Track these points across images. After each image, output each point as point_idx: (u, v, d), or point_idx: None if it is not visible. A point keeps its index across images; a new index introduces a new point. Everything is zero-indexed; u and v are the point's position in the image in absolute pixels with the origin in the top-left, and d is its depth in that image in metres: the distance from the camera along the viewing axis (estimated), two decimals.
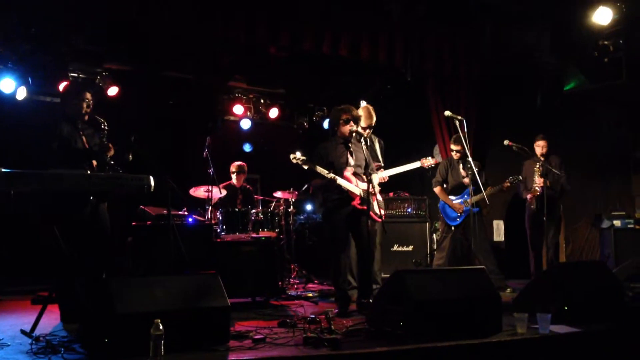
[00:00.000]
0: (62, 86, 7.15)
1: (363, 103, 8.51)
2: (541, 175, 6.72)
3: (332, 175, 5.07)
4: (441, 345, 3.59)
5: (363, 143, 5.20)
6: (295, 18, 6.59)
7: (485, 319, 4.01)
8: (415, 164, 6.32)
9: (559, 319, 4.15)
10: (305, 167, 5.06)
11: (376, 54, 7.12)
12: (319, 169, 5.07)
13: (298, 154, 5.10)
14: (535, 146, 7.11)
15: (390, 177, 6.18)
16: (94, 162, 4.77)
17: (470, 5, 7.30)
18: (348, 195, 5.17)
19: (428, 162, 6.39)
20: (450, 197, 6.84)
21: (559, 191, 7.06)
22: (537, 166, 6.74)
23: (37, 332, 3.98)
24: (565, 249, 8.11)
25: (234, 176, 7.60)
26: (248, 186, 7.77)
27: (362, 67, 7.82)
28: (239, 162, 7.68)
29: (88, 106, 4.89)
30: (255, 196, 7.82)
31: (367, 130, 5.89)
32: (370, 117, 5.87)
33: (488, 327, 3.97)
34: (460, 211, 6.68)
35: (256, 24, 6.36)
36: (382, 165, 6.05)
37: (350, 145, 5.37)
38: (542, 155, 7.04)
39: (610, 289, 4.73)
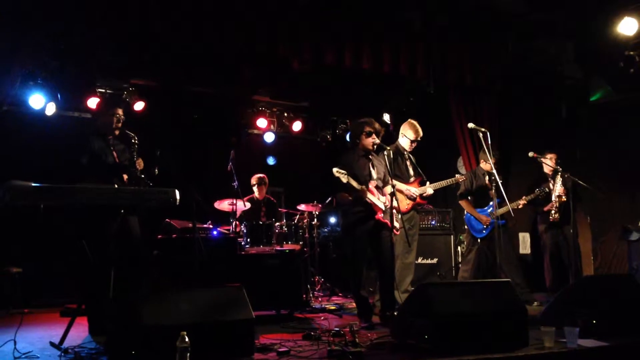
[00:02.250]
0: (90, 101, 7.29)
1: (386, 116, 8.51)
2: (563, 186, 6.65)
3: (363, 187, 5.08)
4: (466, 358, 3.56)
5: (385, 155, 5.24)
6: (316, 32, 6.63)
7: (511, 332, 3.97)
8: (452, 180, 6.38)
9: (587, 332, 4.10)
10: (345, 180, 5.00)
11: (398, 66, 7.12)
12: (352, 182, 5.04)
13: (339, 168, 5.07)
14: (544, 159, 6.84)
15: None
16: (125, 176, 4.86)
17: (492, 16, 7.28)
18: (372, 208, 5.18)
19: (462, 177, 6.66)
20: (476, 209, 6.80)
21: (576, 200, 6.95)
22: (559, 177, 6.68)
23: (65, 344, 4.05)
24: (593, 261, 7.98)
25: (255, 189, 7.64)
26: (272, 198, 7.81)
27: (385, 79, 7.83)
28: (259, 175, 7.72)
29: (118, 121, 5.01)
30: (280, 209, 7.86)
31: (414, 144, 5.94)
32: (417, 131, 5.93)
33: (514, 341, 3.93)
34: (487, 223, 6.63)
35: (278, 38, 6.41)
36: (426, 179, 6.05)
37: (370, 157, 5.37)
38: (553, 168, 6.81)
39: (638, 303, 4.65)
